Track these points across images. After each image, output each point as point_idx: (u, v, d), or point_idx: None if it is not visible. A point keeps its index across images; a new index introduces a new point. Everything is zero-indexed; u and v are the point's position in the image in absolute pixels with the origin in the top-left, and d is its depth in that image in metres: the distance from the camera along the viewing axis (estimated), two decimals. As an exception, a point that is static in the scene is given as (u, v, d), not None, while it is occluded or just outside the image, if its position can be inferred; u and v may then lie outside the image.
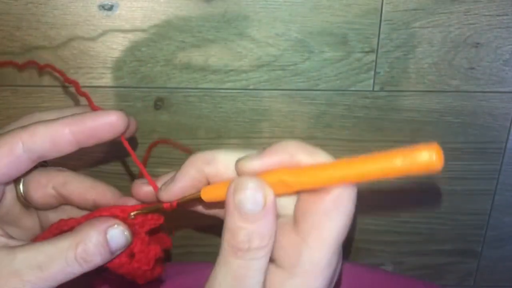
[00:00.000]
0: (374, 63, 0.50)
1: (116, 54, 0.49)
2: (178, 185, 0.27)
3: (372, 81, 0.51)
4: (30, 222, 0.31)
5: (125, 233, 0.26)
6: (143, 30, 0.48)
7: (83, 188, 0.30)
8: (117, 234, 0.26)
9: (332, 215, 0.23)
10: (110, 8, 0.47)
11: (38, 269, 0.24)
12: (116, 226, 0.26)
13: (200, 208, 0.30)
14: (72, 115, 0.28)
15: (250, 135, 0.53)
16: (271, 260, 0.24)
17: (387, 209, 0.57)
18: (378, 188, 0.56)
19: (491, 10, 0.48)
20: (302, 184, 0.23)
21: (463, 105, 0.52)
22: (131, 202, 0.30)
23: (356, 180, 0.23)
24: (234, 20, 0.48)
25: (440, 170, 0.20)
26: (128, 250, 0.27)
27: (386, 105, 0.52)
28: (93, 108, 0.30)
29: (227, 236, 0.23)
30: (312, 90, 0.51)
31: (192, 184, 0.26)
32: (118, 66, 0.49)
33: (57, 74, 0.45)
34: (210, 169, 0.26)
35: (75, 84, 0.35)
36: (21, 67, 0.48)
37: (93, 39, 0.48)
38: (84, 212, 0.31)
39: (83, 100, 0.52)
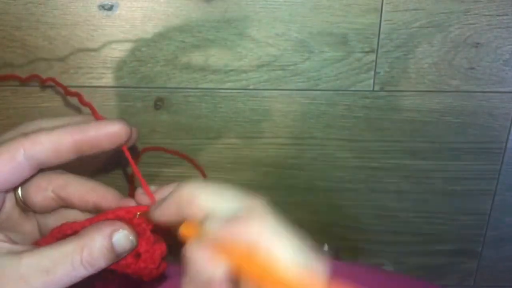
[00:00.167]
0: (374, 63, 0.50)
1: (116, 54, 0.49)
2: (165, 212, 0.27)
3: (372, 81, 0.51)
4: (29, 226, 0.31)
5: (130, 237, 0.26)
6: (143, 30, 0.48)
7: (83, 190, 0.30)
8: (122, 238, 0.26)
9: None
10: (110, 8, 0.47)
11: (44, 274, 0.24)
12: (121, 230, 0.26)
13: None
14: (75, 123, 0.28)
15: (250, 135, 0.53)
16: None
17: (387, 209, 0.57)
18: (378, 188, 0.56)
19: (491, 10, 0.48)
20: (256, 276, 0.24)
21: (463, 105, 0.52)
22: (132, 203, 0.30)
23: None
24: (234, 20, 0.48)
25: None
26: (134, 251, 0.27)
27: (386, 105, 0.52)
28: (97, 117, 0.30)
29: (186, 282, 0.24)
30: (312, 90, 0.51)
31: (177, 213, 0.27)
32: (118, 66, 0.49)
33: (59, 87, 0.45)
34: (188, 211, 0.26)
35: (78, 96, 0.35)
36: (23, 81, 0.48)
37: (93, 39, 0.48)
38: (84, 215, 0.31)
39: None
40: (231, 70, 0.50)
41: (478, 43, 0.49)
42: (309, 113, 0.52)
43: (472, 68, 0.51)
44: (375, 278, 0.46)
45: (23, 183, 0.30)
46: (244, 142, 0.53)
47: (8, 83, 0.50)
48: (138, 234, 0.27)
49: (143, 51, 0.49)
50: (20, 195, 0.30)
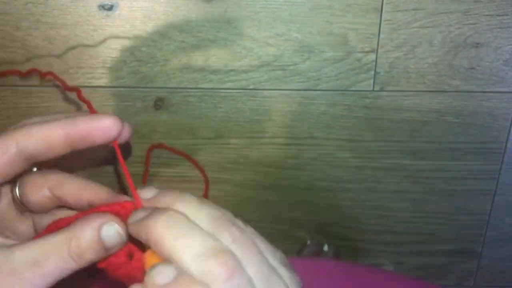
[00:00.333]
0: (374, 63, 0.50)
1: (116, 54, 0.49)
2: (135, 232, 0.27)
3: (372, 81, 0.51)
4: (25, 227, 0.31)
5: (119, 231, 0.25)
6: (143, 30, 0.48)
7: (77, 188, 0.30)
8: (111, 231, 0.25)
9: None
10: (110, 8, 0.47)
11: (35, 266, 0.24)
12: (110, 223, 0.25)
13: None
14: (67, 117, 0.28)
15: (250, 135, 0.53)
16: None
17: (387, 209, 0.57)
18: (378, 188, 0.56)
19: (491, 10, 0.48)
20: None
21: (463, 105, 0.52)
22: (125, 200, 0.30)
23: None
24: (234, 20, 0.48)
25: None
26: (127, 250, 0.26)
27: (386, 105, 0.52)
28: (92, 113, 0.30)
29: None
30: (312, 90, 0.51)
31: (145, 241, 0.27)
32: (118, 66, 0.49)
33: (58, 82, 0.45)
34: (153, 247, 0.26)
35: (76, 90, 0.35)
36: (23, 75, 0.48)
37: (93, 39, 0.48)
38: None
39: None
40: (231, 70, 0.50)
41: (478, 43, 0.49)
42: (309, 113, 0.52)
43: (472, 68, 0.51)
44: (375, 278, 0.46)
45: (20, 179, 0.30)
46: (244, 142, 0.53)
47: (8, 83, 0.50)
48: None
49: (143, 51, 0.49)
50: (17, 194, 0.30)
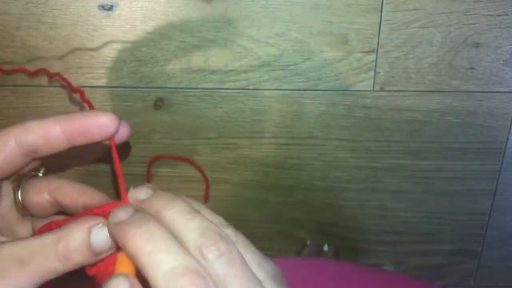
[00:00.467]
0: (374, 63, 0.50)
1: (116, 54, 0.49)
2: (113, 235, 0.27)
3: (372, 81, 0.51)
4: (24, 230, 0.32)
5: (107, 231, 0.25)
6: (143, 30, 0.48)
7: (74, 192, 0.31)
8: (101, 234, 0.25)
9: None
10: (110, 8, 0.47)
11: (19, 264, 0.24)
12: (101, 225, 0.25)
13: None
14: (65, 114, 0.28)
15: (250, 135, 0.53)
16: None
17: (387, 209, 0.57)
18: (378, 188, 0.56)
19: (491, 10, 0.48)
20: None
21: (463, 105, 0.52)
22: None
23: None
24: (234, 20, 0.48)
25: None
26: (116, 258, 0.26)
27: (386, 105, 0.52)
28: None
29: None
30: (312, 90, 0.51)
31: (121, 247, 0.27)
32: (118, 66, 0.49)
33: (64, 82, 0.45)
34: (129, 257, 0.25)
35: (80, 92, 0.35)
36: (32, 75, 0.48)
37: (93, 39, 0.48)
38: None
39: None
40: (231, 70, 0.50)
41: (478, 43, 0.49)
42: (309, 113, 0.52)
43: (472, 68, 0.51)
44: (375, 278, 0.46)
45: (20, 179, 0.30)
46: (244, 142, 0.53)
47: (8, 83, 0.50)
48: None
49: (143, 51, 0.49)
50: (19, 197, 0.31)
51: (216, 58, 0.49)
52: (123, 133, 0.29)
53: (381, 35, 0.49)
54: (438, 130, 0.53)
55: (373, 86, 0.51)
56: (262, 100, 0.51)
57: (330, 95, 0.51)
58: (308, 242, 0.58)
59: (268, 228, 0.58)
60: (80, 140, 0.28)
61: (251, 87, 0.51)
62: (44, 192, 0.31)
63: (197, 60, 0.49)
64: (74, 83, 0.49)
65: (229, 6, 0.47)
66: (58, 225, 0.26)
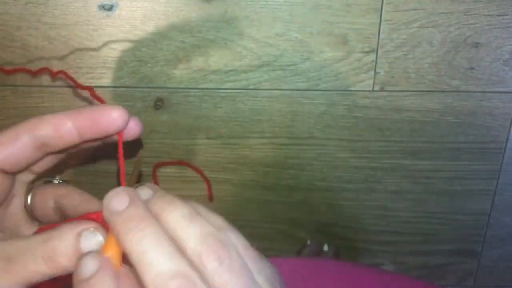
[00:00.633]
0: (374, 63, 0.50)
1: (116, 54, 0.49)
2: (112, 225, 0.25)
3: (372, 81, 0.51)
4: (29, 233, 0.32)
5: (99, 237, 0.24)
6: (143, 30, 0.48)
7: (77, 201, 0.31)
8: (92, 239, 0.23)
9: None
10: (110, 8, 0.47)
11: (5, 261, 0.23)
12: (92, 229, 0.24)
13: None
14: (77, 108, 0.29)
15: (250, 135, 0.53)
16: None
17: (387, 209, 0.57)
18: (378, 188, 0.56)
19: (491, 10, 0.48)
20: None
21: (463, 105, 0.52)
22: None
23: None
24: (234, 20, 0.48)
25: None
26: None
27: (386, 105, 0.52)
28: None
29: None
30: (312, 90, 0.51)
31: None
32: (118, 66, 0.49)
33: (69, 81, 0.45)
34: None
35: (89, 89, 0.35)
36: (34, 74, 0.48)
37: (93, 39, 0.48)
38: None
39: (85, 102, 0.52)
40: (231, 70, 0.50)
41: (478, 43, 0.50)
42: (309, 113, 0.52)
43: (472, 68, 0.51)
44: (375, 278, 0.46)
45: (34, 188, 0.31)
46: (244, 142, 0.53)
47: (8, 83, 0.50)
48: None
49: (143, 51, 0.49)
50: (29, 201, 0.31)
51: (216, 58, 0.49)
52: (135, 129, 0.29)
53: (381, 35, 0.49)
54: (438, 130, 0.53)
55: (373, 86, 0.51)
56: (262, 100, 0.51)
57: (330, 95, 0.51)
58: (308, 242, 0.58)
59: (268, 228, 0.58)
60: (90, 134, 0.28)
61: (251, 87, 0.51)
62: (49, 198, 0.31)
63: (197, 60, 0.49)
64: (74, 83, 0.50)
65: (229, 6, 0.47)
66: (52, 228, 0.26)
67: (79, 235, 0.23)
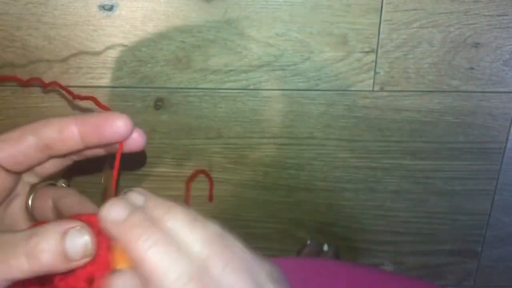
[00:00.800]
0: (374, 63, 0.50)
1: (116, 54, 0.49)
2: (110, 227, 0.25)
3: (372, 81, 0.51)
4: None
5: (86, 237, 0.23)
6: (143, 30, 0.48)
7: (73, 203, 0.31)
8: (78, 238, 0.23)
9: None
10: (110, 8, 0.47)
11: None
12: (78, 228, 0.23)
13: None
14: (82, 114, 0.29)
15: (250, 135, 0.53)
16: None
17: (387, 209, 0.57)
18: (378, 188, 0.56)
19: (491, 10, 0.48)
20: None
21: (463, 105, 0.52)
22: None
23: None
24: (234, 20, 0.48)
25: None
26: (88, 274, 0.24)
27: (386, 105, 0.52)
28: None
29: None
30: (312, 90, 0.51)
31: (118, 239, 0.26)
32: (118, 66, 0.49)
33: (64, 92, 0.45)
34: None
35: (92, 99, 0.35)
36: (24, 84, 0.48)
37: (93, 39, 0.48)
38: None
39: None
40: (231, 70, 0.50)
41: (478, 43, 0.50)
42: (309, 113, 0.52)
43: (472, 68, 0.51)
44: (375, 278, 0.46)
45: (32, 167, 0.31)
46: (244, 142, 0.53)
47: (8, 83, 0.50)
48: (96, 256, 0.24)
49: (143, 51, 0.49)
50: (30, 202, 0.31)
51: (216, 58, 0.49)
52: (138, 141, 0.29)
53: (381, 35, 0.49)
54: (438, 130, 0.53)
55: (373, 86, 0.51)
56: (262, 100, 0.51)
57: (330, 95, 0.51)
58: (308, 242, 0.59)
59: (268, 228, 0.58)
60: (93, 140, 0.28)
61: (251, 87, 0.51)
62: (49, 199, 0.31)
63: (197, 60, 0.49)
64: (74, 83, 0.49)
65: (229, 6, 0.47)
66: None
67: (64, 233, 0.23)
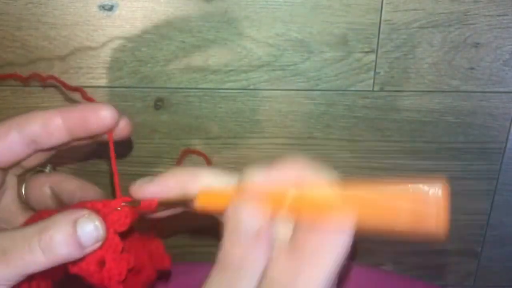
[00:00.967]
0: (374, 63, 0.50)
1: (116, 54, 0.49)
2: (152, 189, 0.26)
3: (372, 81, 0.51)
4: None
5: (98, 227, 0.24)
6: (143, 30, 0.48)
7: (72, 186, 0.31)
8: (89, 226, 0.24)
9: (331, 247, 0.24)
10: (110, 8, 0.47)
11: (1, 253, 0.23)
12: (88, 217, 0.24)
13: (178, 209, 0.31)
14: (66, 106, 0.29)
15: (250, 135, 0.53)
16: (264, 273, 0.24)
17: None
18: (378, 188, 0.56)
19: (491, 10, 0.48)
20: (308, 211, 0.23)
21: (463, 105, 0.52)
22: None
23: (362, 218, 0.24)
24: (234, 20, 0.48)
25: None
26: (98, 257, 0.25)
27: (386, 105, 0.52)
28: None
29: (222, 251, 0.23)
30: (312, 90, 0.51)
31: (167, 192, 0.26)
32: (118, 66, 0.49)
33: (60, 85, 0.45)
34: (192, 185, 0.26)
35: (80, 91, 0.35)
36: (24, 80, 0.48)
37: (93, 39, 0.48)
38: None
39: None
40: (231, 70, 0.50)
41: (478, 43, 0.50)
42: (309, 113, 0.52)
43: (472, 68, 0.51)
44: (375, 278, 0.46)
45: (25, 173, 0.31)
46: (244, 142, 0.53)
47: (8, 83, 0.50)
48: (105, 239, 0.25)
49: (143, 51, 0.49)
50: (23, 191, 0.31)
51: (216, 58, 0.49)
52: (124, 129, 0.29)
53: (381, 35, 0.49)
54: (438, 130, 0.53)
55: (373, 86, 0.51)
56: (262, 100, 0.51)
57: (330, 95, 0.51)
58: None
59: (268, 228, 0.58)
60: (79, 132, 0.28)
61: (251, 87, 0.51)
62: (45, 186, 0.31)
63: (197, 60, 0.49)
64: (75, 83, 0.49)
65: (229, 6, 0.47)
66: (48, 215, 0.26)
67: (75, 222, 0.23)
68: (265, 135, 0.53)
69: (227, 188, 0.25)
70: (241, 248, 0.23)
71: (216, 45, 0.49)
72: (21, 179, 0.32)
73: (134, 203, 0.28)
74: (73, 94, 0.51)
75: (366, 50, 0.49)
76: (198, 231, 0.58)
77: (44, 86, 0.50)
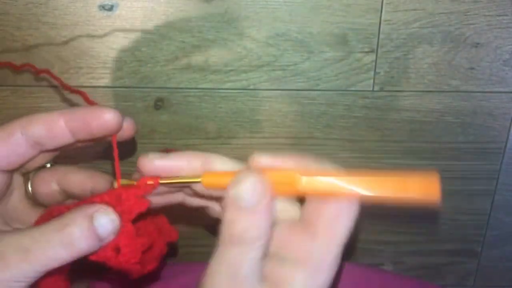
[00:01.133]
0: (374, 63, 0.50)
1: (116, 54, 0.49)
2: (162, 163, 0.27)
3: (372, 81, 0.51)
4: (34, 220, 0.32)
5: (112, 218, 0.26)
6: (143, 30, 0.48)
7: (82, 177, 0.32)
8: (104, 218, 0.25)
9: (342, 218, 0.26)
10: (110, 8, 0.47)
11: (22, 252, 0.24)
12: (103, 210, 0.26)
13: (177, 197, 0.31)
14: (70, 108, 0.29)
15: (250, 135, 0.53)
16: (275, 255, 0.24)
17: (387, 209, 0.57)
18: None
19: (491, 10, 0.48)
20: (312, 190, 0.24)
21: (463, 105, 0.52)
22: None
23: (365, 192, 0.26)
24: (234, 20, 0.48)
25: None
26: (113, 244, 0.27)
27: (386, 105, 0.52)
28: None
29: (224, 226, 0.24)
30: (312, 90, 0.51)
31: (177, 170, 0.27)
32: (118, 66, 0.49)
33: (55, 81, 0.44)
34: (203, 168, 0.27)
35: (81, 93, 0.35)
36: (17, 69, 0.48)
37: (93, 39, 0.48)
38: None
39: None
40: (231, 70, 0.50)
41: (478, 43, 0.50)
42: (309, 113, 0.52)
43: (472, 68, 0.51)
44: (375, 278, 0.46)
45: (30, 172, 0.31)
46: (244, 142, 0.53)
47: (8, 83, 0.50)
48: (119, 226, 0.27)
49: (143, 51, 0.49)
50: (29, 188, 0.31)
51: (216, 58, 0.49)
52: (128, 130, 0.29)
53: (381, 35, 0.49)
54: (438, 130, 0.53)
55: (373, 86, 0.51)
56: (262, 100, 0.51)
57: (330, 95, 0.51)
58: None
59: (268, 228, 0.58)
60: (83, 135, 0.28)
61: (251, 87, 0.51)
62: (51, 182, 0.32)
63: (197, 60, 0.49)
64: (74, 83, 0.50)
65: (229, 6, 0.47)
66: (59, 211, 0.27)
67: (91, 217, 0.25)
68: (265, 135, 0.53)
69: (231, 171, 0.26)
70: (242, 219, 0.24)
71: (216, 45, 0.49)
72: (26, 177, 0.32)
73: (134, 182, 0.29)
74: (73, 95, 0.51)
75: (366, 50, 0.49)
76: (198, 231, 0.58)
77: (37, 80, 0.50)
